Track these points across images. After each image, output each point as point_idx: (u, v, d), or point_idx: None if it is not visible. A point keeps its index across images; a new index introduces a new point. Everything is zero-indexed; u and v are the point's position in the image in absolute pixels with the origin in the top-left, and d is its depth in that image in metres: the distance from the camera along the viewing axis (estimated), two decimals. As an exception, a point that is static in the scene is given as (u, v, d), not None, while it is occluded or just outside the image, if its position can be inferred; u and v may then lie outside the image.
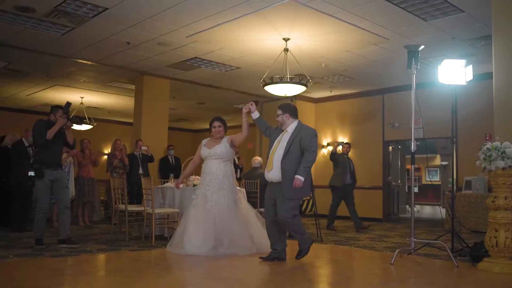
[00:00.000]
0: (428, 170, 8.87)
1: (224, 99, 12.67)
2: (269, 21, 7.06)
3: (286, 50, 7.93)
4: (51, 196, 5.96)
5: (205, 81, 11.04)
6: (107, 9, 6.67)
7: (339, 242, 7.04)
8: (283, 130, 5.12)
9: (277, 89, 7.89)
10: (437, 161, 22.24)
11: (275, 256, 5.01)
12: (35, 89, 12.22)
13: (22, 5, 6.61)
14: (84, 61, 9.41)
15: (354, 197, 9.20)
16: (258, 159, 8.40)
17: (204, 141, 5.79)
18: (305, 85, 7.92)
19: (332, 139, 12.57)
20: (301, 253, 5.06)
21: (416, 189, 22.28)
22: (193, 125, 18.40)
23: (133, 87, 11.11)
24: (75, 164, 8.65)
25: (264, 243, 5.39)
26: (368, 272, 4.81)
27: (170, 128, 11.53)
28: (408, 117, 10.72)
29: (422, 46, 5.45)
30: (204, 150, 5.65)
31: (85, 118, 13.27)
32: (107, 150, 15.53)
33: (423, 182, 23.06)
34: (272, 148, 5.06)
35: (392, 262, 4.99)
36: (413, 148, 5.41)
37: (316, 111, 13.03)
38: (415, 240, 5.34)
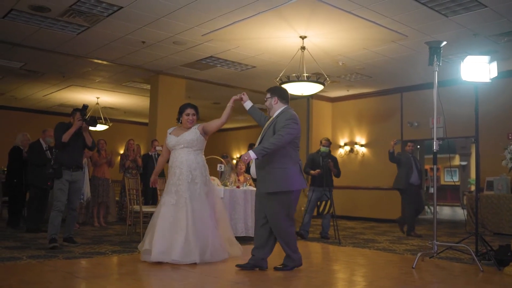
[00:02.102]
0: (450, 170, 8.59)
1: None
2: (286, 19, 6.92)
3: (303, 48, 7.79)
4: (80, 197, 6.25)
5: (220, 80, 10.95)
6: (121, 7, 6.61)
7: (357, 244, 6.88)
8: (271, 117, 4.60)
9: (294, 88, 7.74)
10: (456, 161, 21.89)
11: (254, 264, 4.46)
12: (51, 90, 12.26)
13: (37, 5, 6.58)
14: (100, 61, 9.39)
15: (422, 199, 8.53)
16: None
17: (170, 130, 5.14)
18: (323, 83, 7.77)
19: (349, 139, 12.40)
20: (283, 268, 4.47)
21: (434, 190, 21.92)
22: (208, 124, 18.31)
23: (148, 87, 11.07)
24: (89, 164, 8.62)
25: (236, 245, 5.19)
26: (389, 276, 4.64)
27: (185, 128, 11.45)
28: (427, 116, 10.58)
29: (445, 42, 5.27)
30: (170, 138, 4.99)
31: (100, 119, 13.29)
32: (122, 151, 15.55)
33: (442, 182, 22.73)
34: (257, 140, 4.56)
35: (414, 266, 4.82)
36: (435, 147, 5.22)
37: (333, 110, 12.85)
38: (438, 243, 5.15)
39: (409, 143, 8.68)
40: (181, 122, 5.06)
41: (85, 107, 6.00)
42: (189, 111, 5.03)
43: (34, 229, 7.31)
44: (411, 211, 8.26)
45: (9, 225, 8.04)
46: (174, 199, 4.78)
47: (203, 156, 5.10)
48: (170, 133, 5.05)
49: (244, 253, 5.20)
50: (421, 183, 8.53)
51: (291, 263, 4.48)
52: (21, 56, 9.19)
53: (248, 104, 4.77)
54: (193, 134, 4.93)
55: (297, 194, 4.54)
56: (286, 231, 4.35)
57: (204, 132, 5.01)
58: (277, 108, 4.52)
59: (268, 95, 4.59)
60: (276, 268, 4.45)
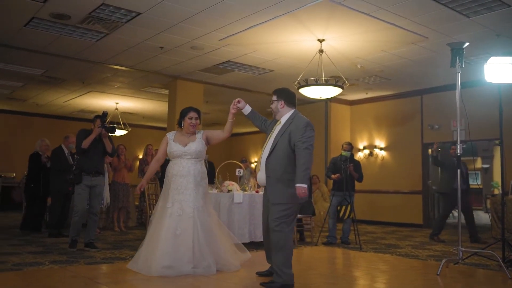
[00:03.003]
0: (474, 173, 8.33)
1: (257, 102, 12.50)
2: (303, 22, 6.88)
3: (321, 51, 7.73)
4: (101, 202, 6.40)
5: (238, 84, 10.95)
6: (140, 13, 6.64)
7: (379, 250, 6.78)
8: (277, 121, 4.32)
9: (312, 92, 7.69)
10: (478, 164, 21.50)
11: (271, 271, 4.22)
12: (71, 96, 12.40)
13: (57, 12, 6.65)
14: (118, 67, 9.46)
15: (472, 204, 8.20)
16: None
17: (170, 135, 4.81)
18: (341, 87, 7.69)
19: (368, 143, 12.27)
20: (270, 284, 3.99)
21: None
22: (226, 129, 18.33)
23: (166, 92, 11.12)
24: (109, 170, 8.68)
25: (243, 251, 4.92)
26: (413, 283, 4.54)
27: (203, 133, 11.46)
28: (448, 118, 10.38)
29: (467, 43, 5.17)
30: (176, 147, 4.68)
31: (119, 124, 13.39)
32: (141, 155, 15.66)
33: (464, 185, 22.32)
34: (264, 146, 4.27)
35: (438, 273, 4.71)
36: (458, 151, 5.12)
37: (352, 113, 12.74)
38: (463, 249, 5.03)
39: (452, 146, 8.20)
40: (182, 126, 4.78)
41: (105, 114, 6.13)
42: (192, 114, 4.74)
43: (56, 234, 7.38)
44: (442, 216, 8.11)
45: (21, 228, 8.08)
46: (181, 210, 4.49)
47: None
48: (173, 141, 4.73)
49: (261, 258, 5.12)
50: (467, 188, 8.19)
51: (279, 279, 3.95)
52: (42, 63, 9.32)
53: (247, 109, 4.56)
54: (201, 145, 4.70)
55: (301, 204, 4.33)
56: (278, 233, 3.97)
57: (208, 142, 4.80)
58: (284, 112, 4.25)
59: (274, 98, 4.32)
60: (263, 284, 4.01)
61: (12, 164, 13.97)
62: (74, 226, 6.04)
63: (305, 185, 3.83)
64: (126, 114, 14.50)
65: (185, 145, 4.65)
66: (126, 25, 7.09)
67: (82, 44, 8.07)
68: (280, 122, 4.22)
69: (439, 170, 8.88)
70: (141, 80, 10.64)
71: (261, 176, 4.14)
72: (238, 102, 4.50)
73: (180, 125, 4.78)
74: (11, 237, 7.32)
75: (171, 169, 4.68)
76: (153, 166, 4.89)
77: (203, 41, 7.81)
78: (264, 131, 4.50)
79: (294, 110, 4.28)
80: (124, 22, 6.99)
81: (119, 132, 13.41)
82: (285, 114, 4.24)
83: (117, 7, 6.44)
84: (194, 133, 4.74)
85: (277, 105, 4.27)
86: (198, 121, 4.75)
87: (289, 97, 4.30)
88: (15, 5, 6.40)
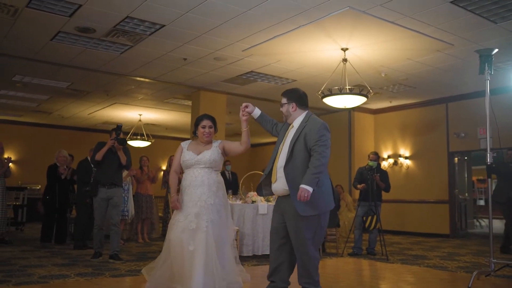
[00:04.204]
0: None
1: (280, 113, 12.49)
2: (327, 31, 6.84)
3: (344, 60, 7.67)
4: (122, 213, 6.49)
5: (260, 95, 10.94)
6: (164, 26, 6.70)
7: (406, 261, 6.64)
8: (289, 125, 3.97)
9: (336, 101, 7.62)
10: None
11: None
12: (95, 108, 12.58)
13: (83, 26, 6.76)
14: (142, 79, 9.56)
15: None
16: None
17: (184, 144, 4.41)
18: (366, 96, 7.61)
19: (392, 152, 12.10)
20: None
21: (482, 202, 21.15)
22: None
23: (189, 103, 11.18)
24: (133, 182, 8.72)
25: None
26: (444, 296, 4.43)
27: (226, 143, 11.47)
28: (474, 126, 10.21)
29: (496, 50, 5.05)
30: (189, 155, 4.27)
31: (142, 135, 13.49)
32: (164, 166, 15.74)
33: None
34: (277, 152, 3.92)
35: (470, 285, 4.57)
36: (488, 159, 4.99)
37: (375, 122, 12.60)
38: (495, 261, 4.88)
39: (509, 151, 7.95)
40: (197, 135, 4.41)
41: (119, 126, 6.27)
42: (205, 123, 4.32)
43: (81, 245, 7.43)
44: (507, 226, 7.82)
45: (41, 240, 8.13)
46: (194, 223, 4.05)
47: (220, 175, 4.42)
48: (187, 149, 4.32)
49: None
50: None
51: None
52: (68, 76, 9.48)
53: (256, 113, 4.17)
54: (216, 153, 4.25)
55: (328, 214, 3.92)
56: (313, 257, 3.71)
57: (225, 153, 4.36)
58: (296, 115, 3.91)
59: (285, 100, 3.96)
60: None
61: (38, 176, 14.16)
62: (95, 238, 6.25)
63: (311, 189, 3.52)
64: (150, 125, 14.62)
65: (199, 153, 4.25)
66: (150, 37, 7.16)
67: (106, 57, 8.18)
68: (293, 126, 3.89)
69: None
70: (164, 92, 10.73)
71: (279, 186, 3.79)
72: (246, 107, 4.11)
73: (195, 134, 4.43)
74: (36, 249, 7.40)
75: (184, 180, 4.32)
76: (173, 178, 4.48)
77: (226, 52, 7.84)
78: (275, 135, 4.14)
79: (307, 111, 3.94)
80: (148, 35, 7.06)
81: (142, 144, 13.52)
82: (298, 117, 3.90)
83: (142, 20, 6.51)
84: (210, 142, 4.35)
85: (288, 108, 3.93)
86: (212, 129, 4.32)
87: (301, 98, 3.95)
88: (42, 19, 6.53)
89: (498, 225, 16.19)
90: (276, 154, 3.89)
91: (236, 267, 4.32)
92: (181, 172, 4.50)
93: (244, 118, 4.09)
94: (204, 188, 4.13)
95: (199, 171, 4.20)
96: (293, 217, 3.68)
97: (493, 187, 7.33)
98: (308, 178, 3.54)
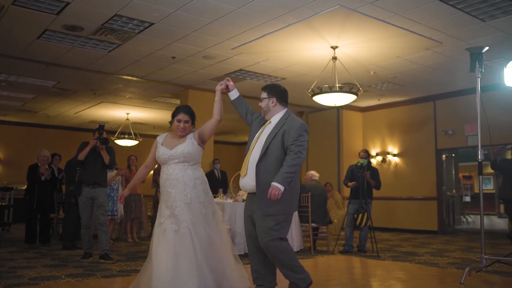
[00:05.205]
0: (491, 178, 8.19)
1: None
2: (317, 30, 6.83)
3: (334, 58, 7.68)
4: (106, 212, 6.37)
5: (250, 93, 10.83)
6: (153, 24, 6.63)
7: (397, 258, 6.67)
8: (266, 121, 3.83)
9: (326, 99, 7.63)
10: (489, 168, 21.28)
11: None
12: (82, 107, 12.44)
13: (70, 24, 6.66)
14: (130, 77, 9.47)
15: None
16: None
17: (160, 139, 4.06)
18: (356, 93, 7.63)
19: (381, 149, 12.16)
20: None
21: (468, 198, 21.39)
22: (237, 137, 18.32)
23: (177, 101, 11.11)
24: (123, 182, 8.64)
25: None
26: (436, 292, 4.45)
27: (214, 142, 11.44)
28: (462, 124, 10.29)
29: (487, 48, 5.10)
30: (162, 150, 3.92)
31: (130, 134, 13.38)
32: (152, 165, 15.64)
33: (475, 191, 22.12)
34: (250, 146, 3.77)
35: (462, 282, 4.61)
36: (479, 157, 5.03)
37: (364, 120, 12.64)
38: (486, 257, 4.92)
39: (495, 148, 7.98)
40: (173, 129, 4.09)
41: (101, 126, 6.27)
42: (181, 117, 3.93)
43: (70, 246, 7.35)
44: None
45: (26, 242, 7.94)
46: (175, 225, 3.70)
47: (201, 169, 4.01)
48: (161, 144, 3.97)
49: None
50: None
51: (303, 283, 3.63)
52: (54, 75, 9.35)
53: (234, 94, 4.01)
54: (190, 146, 3.87)
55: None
56: (276, 248, 3.53)
57: (201, 140, 3.97)
58: (276, 111, 3.78)
59: (265, 95, 3.82)
60: None
61: (24, 176, 13.91)
62: (83, 238, 6.23)
63: (282, 187, 3.38)
64: (137, 124, 14.50)
65: (173, 148, 3.88)
66: (138, 35, 7.08)
67: (94, 55, 8.08)
68: (271, 122, 3.76)
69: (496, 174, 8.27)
70: (152, 90, 10.64)
71: (248, 181, 3.63)
72: (228, 80, 3.97)
73: (171, 124, 4.06)
74: (24, 250, 7.30)
75: (160, 177, 3.96)
76: (140, 173, 4.20)
77: (215, 50, 7.79)
78: (249, 123, 3.97)
79: (286, 109, 3.82)
80: (136, 33, 6.99)
81: (130, 143, 13.41)
82: (277, 114, 3.78)
83: (130, 18, 6.44)
84: (185, 135, 3.99)
85: (268, 103, 3.79)
86: (188, 125, 3.94)
87: (282, 93, 3.84)
88: (28, 17, 6.41)
89: (484, 221, 16.42)
90: (248, 149, 3.76)
91: (240, 267, 3.95)
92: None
93: (219, 87, 3.93)
94: (179, 187, 3.79)
95: (173, 168, 3.85)
96: (259, 217, 3.56)
97: (479, 184, 7.40)
98: (282, 177, 3.42)
